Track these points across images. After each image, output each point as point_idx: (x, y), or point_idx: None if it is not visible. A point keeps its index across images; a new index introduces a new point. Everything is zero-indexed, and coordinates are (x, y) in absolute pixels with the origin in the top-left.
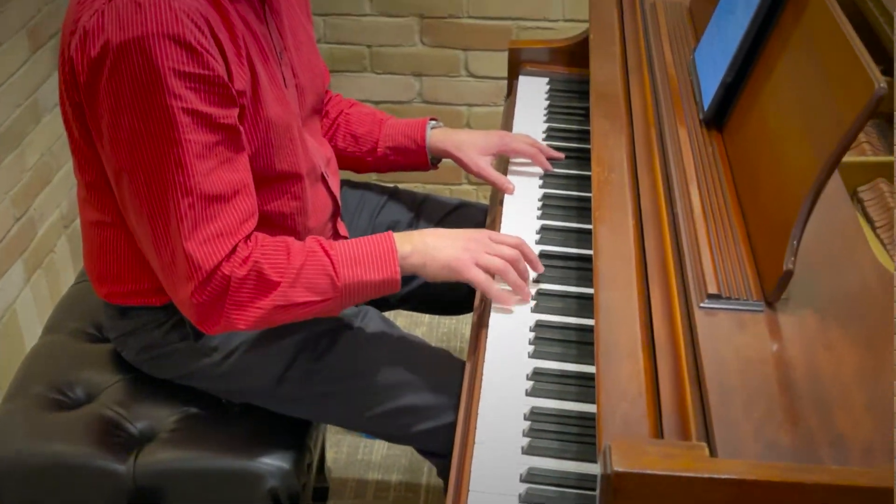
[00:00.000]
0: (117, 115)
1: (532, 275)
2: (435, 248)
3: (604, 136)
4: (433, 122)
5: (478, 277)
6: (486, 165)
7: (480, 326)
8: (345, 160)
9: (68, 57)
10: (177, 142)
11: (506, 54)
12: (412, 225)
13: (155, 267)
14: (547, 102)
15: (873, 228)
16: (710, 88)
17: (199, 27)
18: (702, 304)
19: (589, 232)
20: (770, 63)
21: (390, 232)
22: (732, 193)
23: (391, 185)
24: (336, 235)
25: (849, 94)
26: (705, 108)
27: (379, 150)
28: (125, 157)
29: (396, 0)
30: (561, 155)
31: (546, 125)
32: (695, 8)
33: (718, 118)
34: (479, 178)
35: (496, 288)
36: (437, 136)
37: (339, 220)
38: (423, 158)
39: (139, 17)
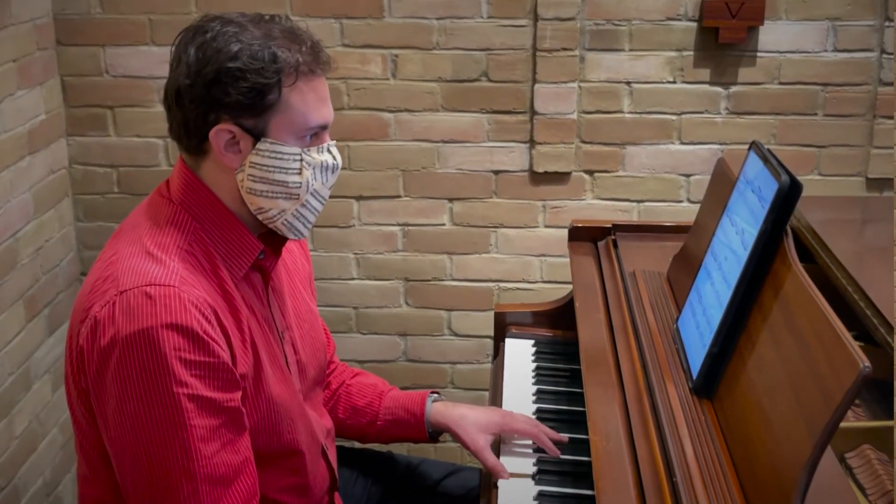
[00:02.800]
0: (123, 401)
1: None
2: None
3: (598, 404)
4: (434, 395)
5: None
6: (485, 445)
7: None
8: (345, 431)
9: (77, 344)
10: (181, 426)
11: (487, 314)
12: (407, 492)
13: None
14: (534, 364)
15: (866, 496)
16: (696, 357)
17: (206, 316)
18: None
19: (589, 498)
20: (753, 335)
21: None
22: (729, 462)
23: (386, 451)
24: None
25: (835, 373)
26: (694, 376)
27: (378, 422)
28: (129, 441)
29: (383, 265)
30: (564, 437)
31: (535, 387)
32: (673, 277)
33: (707, 386)
34: (476, 458)
35: None
36: (438, 409)
37: (336, 493)
38: (421, 432)
39: (149, 308)
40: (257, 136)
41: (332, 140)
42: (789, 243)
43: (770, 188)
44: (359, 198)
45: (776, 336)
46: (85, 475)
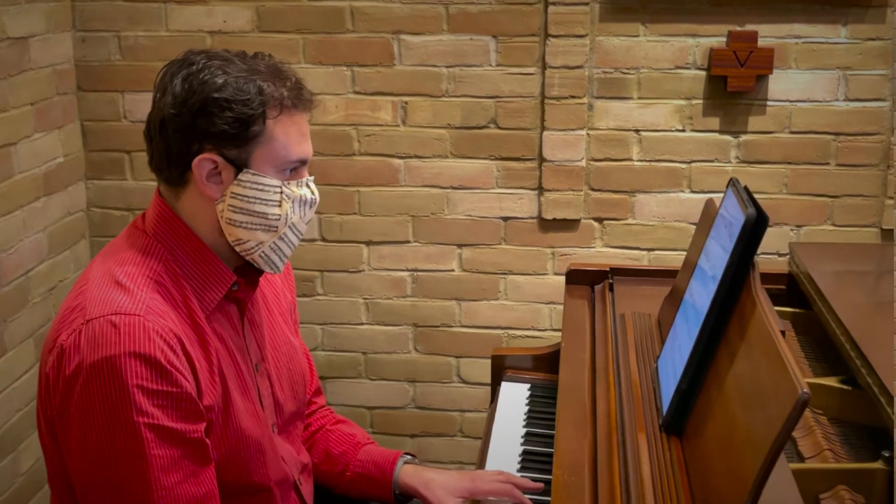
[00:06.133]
0: (86, 430)
1: None
2: None
3: (567, 441)
4: (407, 456)
5: None
6: None
7: None
8: (317, 476)
9: (45, 374)
10: (142, 456)
11: None
12: None
13: None
14: (527, 408)
15: None
16: (669, 395)
17: (171, 346)
18: None
19: None
20: (720, 370)
21: None
22: (687, 497)
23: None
24: None
25: (779, 401)
26: (664, 413)
27: (348, 473)
28: (92, 472)
29: (392, 311)
30: (539, 486)
31: (524, 430)
32: (662, 318)
33: (676, 423)
34: None
35: None
36: (407, 472)
37: None
38: (387, 492)
39: (113, 337)
40: (239, 166)
41: (311, 176)
42: (755, 276)
43: (739, 222)
44: (368, 243)
45: (737, 369)
46: None
